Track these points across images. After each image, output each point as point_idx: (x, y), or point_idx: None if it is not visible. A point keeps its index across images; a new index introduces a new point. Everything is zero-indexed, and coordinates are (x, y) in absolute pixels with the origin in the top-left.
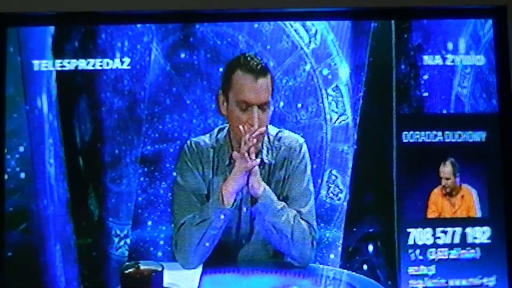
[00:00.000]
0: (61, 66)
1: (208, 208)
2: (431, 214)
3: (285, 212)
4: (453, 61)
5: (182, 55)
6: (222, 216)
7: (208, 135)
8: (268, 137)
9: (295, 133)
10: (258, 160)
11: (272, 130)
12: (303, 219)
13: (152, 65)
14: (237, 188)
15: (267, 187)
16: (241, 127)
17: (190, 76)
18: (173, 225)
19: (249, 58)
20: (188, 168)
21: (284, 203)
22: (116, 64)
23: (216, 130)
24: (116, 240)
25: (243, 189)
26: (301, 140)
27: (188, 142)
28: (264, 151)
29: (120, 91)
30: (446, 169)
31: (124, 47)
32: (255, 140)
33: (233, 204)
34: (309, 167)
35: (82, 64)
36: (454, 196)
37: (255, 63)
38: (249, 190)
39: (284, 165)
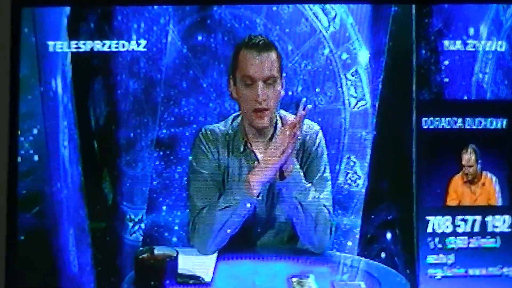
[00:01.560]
0: (76, 48)
1: (234, 194)
2: (451, 201)
3: (312, 192)
4: (474, 46)
5: (199, 38)
6: (248, 205)
7: (223, 122)
8: (283, 125)
9: (313, 118)
10: (288, 151)
11: (288, 116)
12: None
13: (168, 48)
14: (265, 179)
15: (298, 165)
16: (257, 105)
17: (207, 59)
18: (189, 210)
19: (253, 36)
20: (204, 154)
21: (311, 184)
22: (132, 46)
23: (231, 117)
24: (131, 224)
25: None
26: (317, 127)
27: (203, 129)
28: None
29: (135, 74)
30: (468, 156)
31: (140, 29)
32: (292, 141)
33: (259, 194)
34: (325, 154)
35: (97, 45)
36: (474, 184)
37: (258, 40)
38: (283, 167)
39: (300, 151)
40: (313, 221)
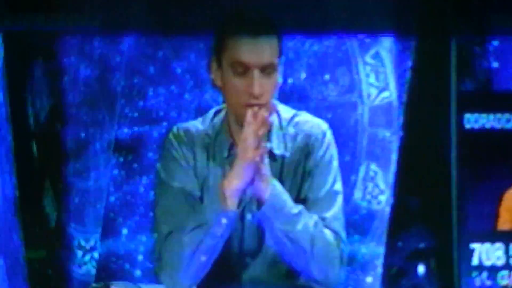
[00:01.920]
0: (10, 23)
1: (206, 209)
2: (504, 224)
3: (302, 217)
4: None
5: (172, 7)
6: (224, 221)
7: (200, 119)
8: (280, 121)
9: (320, 114)
10: (267, 146)
11: (286, 112)
12: (327, 227)
13: (131, 22)
14: (242, 185)
15: (278, 185)
16: (249, 113)
17: (182, 37)
18: (156, 234)
19: (246, 11)
20: (175, 161)
21: (301, 206)
22: (83, 19)
23: (211, 112)
24: (80, 253)
25: (247, 189)
26: (325, 126)
27: (175, 128)
28: (274, 140)
29: (88, 56)
30: None
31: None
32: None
33: (238, 205)
34: (335, 161)
35: (38, 21)
36: None
37: (254, 15)
38: (254, 189)
39: (301, 158)
40: (309, 254)
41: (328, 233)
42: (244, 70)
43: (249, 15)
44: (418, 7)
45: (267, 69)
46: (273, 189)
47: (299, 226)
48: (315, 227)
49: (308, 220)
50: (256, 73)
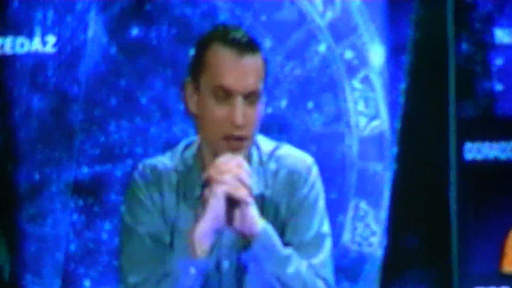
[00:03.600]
0: None
1: (173, 258)
2: (510, 265)
3: (294, 260)
4: None
5: (135, 32)
6: (193, 271)
7: (169, 154)
8: (260, 155)
9: (304, 147)
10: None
11: (266, 145)
12: (317, 276)
13: (89, 47)
14: (214, 228)
15: (267, 225)
16: (233, 130)
17: (147, 62)
18: (122, 286)
19: (230, 27)
20: (141, 204)
21: (291, 249)
22: (35, 45)
23: (181, 146)
24: None
25: (222, 233)
26: (310, 160)
27: (140, 166)
28: (253, 177)
29: (42, 85)
30: None
31: (47, 20)
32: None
33: (208, 254)
34: (322, 200)
35: None
36: None
37: (239, 34)
38: (240, 228)
39: (283, 197)
40: None
41: (320, 282)
42: (226, 96)
43: (233, 31)
44: None
45: (251, 96)
46: (264, 228)
47: (291, 270)
48: (307, 272)
49: (300, 263)
50: (239, 100)
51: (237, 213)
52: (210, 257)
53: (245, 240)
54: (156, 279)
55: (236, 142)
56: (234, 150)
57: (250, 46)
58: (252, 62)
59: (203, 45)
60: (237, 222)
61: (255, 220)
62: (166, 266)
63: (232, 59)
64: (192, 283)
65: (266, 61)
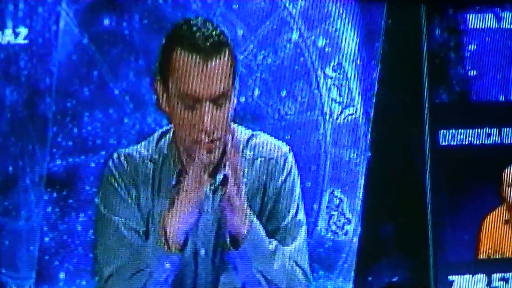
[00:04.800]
0: None
1: (146, 252)
2: (486, 252)
3: (279, 254)
4: None
5: (106, 22)
6: (168, 265)
7: (144, 143)
8: (232, 142)
9: (277, 136)
10: (225, 173)
11: (242, 133)
12: (296, 265)
13: (61, 38)
14: (189, 221)
15: (255, 219)
16: (202, 136)
17: (119, 53)
18: (96, 277)
19: (195, 28)
20: (115, 193)
21: (276, 242)
22: (6, 37)
23: (156, 135)
24: None
25: (198, 221)
26: (286, 148)
27: (115, 155)
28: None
29: (14, 78)
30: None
31: (18, 11)
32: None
33: (183, 247)
34: (298, 187)
35: None
36: None
37: (204, 36)
38: (227, 225)
39: (260, 185)
40: None
41: (299, 271)
42: (194, 102)
43: (198, 32)
44: None
45: (220, 100)
46: (252, 225)
47: (276, 266)
48: (289, 263)
49: (285, 258)
50: (207, 105)
51: (226, 215)
52: (185, 250)
53: (235, 240)
54: (130, 273)
55: (207, 145)
56: (207, 152)
57: (215, 49)
58: (219, 66)
59: (169, 44)
60: (227, 218)
61: (243, 216)
62: (140, 259)
63: (198, 65)
64: (167, 276)
65: (235, 57)
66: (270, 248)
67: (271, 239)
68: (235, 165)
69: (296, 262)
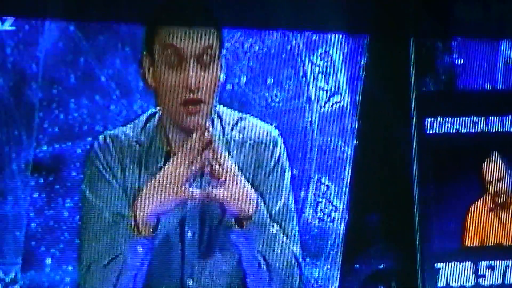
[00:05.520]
0: None
1: (120, 237)
2: (471, 240)
3: (280, 239)
4: (499, 10)
5: (93, 9)
6: (141, 249)
7: (131, 125)
8: (222, 126)
9: (265, 121)
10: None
11: (229, 115)
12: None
13: (47, 25)
14: (163, 205)
15: (261, 201)
16: (189, 95)
17: (106, 39)
18: (82, 264)
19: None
20: (101, 176)
21: (278, 226)
22: None
23: (143, 117)
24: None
25: (185, 203)
26: (275, 132)
27: (101, 137)
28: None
29: (0, 64)
30: (493, 168)
31: None
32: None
33: (154, 229)
34: (288, 172)
35: None
36: (506, 210)
37: (191, 5)
38: (231, 205)
39: (249, 169)
40: (280, 281)
41: (291, 257)
42: (178, 60)
43: (184, 5)
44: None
45: (203, 56)
46: (257, 205)
47: (277, 249)
48: (289, 251)
49: (283, 243)
50: (192, 63)
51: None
52: (156, 235)
53: (240, 220)
54: (107, 260)
55: (193, 106)
56: (192, 114)
57: (201, 12)
58: (203, 26)
59: (155, 15)
60: (231, 205)
61: (249, 196)
62: (113, 246)
63: (183, 22)
64: (142, 261)
65: (222, 33)
66: (273, 231)
67: (273, 223)
68: (214, 150)
69: (293, 251)
